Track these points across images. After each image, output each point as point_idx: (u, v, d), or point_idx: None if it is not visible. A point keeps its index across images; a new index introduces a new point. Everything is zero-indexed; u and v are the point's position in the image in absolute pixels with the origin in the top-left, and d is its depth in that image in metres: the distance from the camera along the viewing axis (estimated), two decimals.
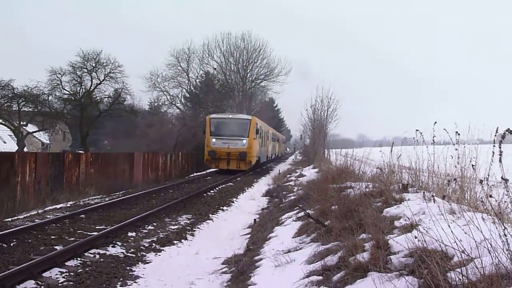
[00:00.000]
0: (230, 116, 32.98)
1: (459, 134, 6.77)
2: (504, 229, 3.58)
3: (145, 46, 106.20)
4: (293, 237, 8.55)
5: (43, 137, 40.42)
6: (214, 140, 29.73)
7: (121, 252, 8.80)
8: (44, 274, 7.13)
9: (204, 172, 32.34)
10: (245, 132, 29.95)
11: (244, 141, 29.59)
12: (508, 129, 3.91)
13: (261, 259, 7.30)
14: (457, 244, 3.96)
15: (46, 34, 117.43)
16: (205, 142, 30.49)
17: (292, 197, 15.34)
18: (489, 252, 3.62)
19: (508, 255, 3.49)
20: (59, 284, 6.84)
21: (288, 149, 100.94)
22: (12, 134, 29.79)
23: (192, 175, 31.53)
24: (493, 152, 4.08)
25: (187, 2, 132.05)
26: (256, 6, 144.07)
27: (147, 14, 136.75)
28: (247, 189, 21.91)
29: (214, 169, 30.70)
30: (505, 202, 4.25)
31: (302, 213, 10.07)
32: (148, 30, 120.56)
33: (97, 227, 10.87)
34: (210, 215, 13.69)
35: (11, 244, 9.04)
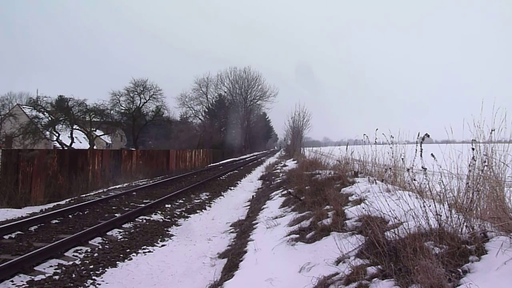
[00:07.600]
0: None
1: (392, 137, 6.80)
2: (423, 202, 3.60)
3: (179, 67, 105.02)
4: (279, 208, 8.53)
5: (107, 138, 40.11)
6: None
7: (161, 218, 8.79)
8: (108, 233, 7.12)
9: (218, 163, 32.19)
10: None
11: None
12: (426, 133, 3.92)
13: (257, 223, 7.29)
14: (391, 213, 3.97)
15: (109, 64, 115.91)
16: None
17: (279, 180, 15.31)
18: (413, 218, 3.63)
19: (426, 220, 3.51)
20: (118, 240, 6.82)
21: (275, 147, 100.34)
22: (86, 136, 29.66)
23: (209, 165, 31.40)
24: (416, 150, 4.10)
25: (207, 42, 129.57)
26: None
27: (181, 45, 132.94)
28: (247, 175, 21.86)
29: (225, 161, 29.56)
30: (424, 183, 4.27)
31: (285, 192, 10.06)
32: (181, 54, 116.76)
33: (144, 201, 10.85)
34: (222, 193, 13.67)
35: (85, 212, 9.01)
